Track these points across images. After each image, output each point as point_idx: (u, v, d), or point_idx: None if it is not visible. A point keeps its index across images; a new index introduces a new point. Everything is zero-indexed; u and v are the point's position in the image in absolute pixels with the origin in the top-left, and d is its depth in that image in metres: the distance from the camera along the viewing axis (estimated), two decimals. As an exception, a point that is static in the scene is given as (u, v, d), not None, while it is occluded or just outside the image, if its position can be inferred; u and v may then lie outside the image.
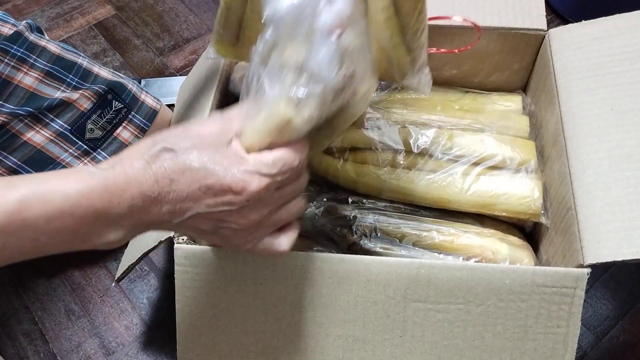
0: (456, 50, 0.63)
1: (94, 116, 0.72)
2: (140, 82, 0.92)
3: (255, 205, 0.39)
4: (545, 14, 0.64)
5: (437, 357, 0.49)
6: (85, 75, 0.72)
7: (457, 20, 0.60)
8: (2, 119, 0.67)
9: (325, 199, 0.61)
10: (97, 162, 0.74)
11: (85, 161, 0.73)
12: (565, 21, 1.03)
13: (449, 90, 0.69)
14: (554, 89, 0.59)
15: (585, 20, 0.61)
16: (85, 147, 0.72)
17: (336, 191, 0.62)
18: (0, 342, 0.72)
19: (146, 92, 0.77)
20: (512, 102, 0.67)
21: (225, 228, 0.40)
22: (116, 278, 0.62)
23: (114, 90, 0.73)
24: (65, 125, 0.71)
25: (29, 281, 0.76)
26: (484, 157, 0.59)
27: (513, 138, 0.62)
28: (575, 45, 0.60)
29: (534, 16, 0.63)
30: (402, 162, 0.60)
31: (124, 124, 0.74)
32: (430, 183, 0.59)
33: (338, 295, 0.49)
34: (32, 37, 0.69)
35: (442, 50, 0.62)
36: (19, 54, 0.67)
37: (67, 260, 0.77)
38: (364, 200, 0.61)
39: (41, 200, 0.34)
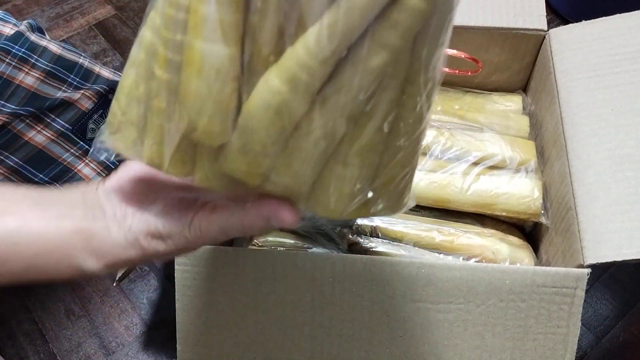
0: (457, 71, 0.63)
1: (95, 116, 0.72)
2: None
3: None
4: (545, 14, 0.64)
5: (437, 357, 0.49)
6: (87, 75, 0.72)
7: (451, 52, 0.60)
8: (4, 119, 0.67)
9: (325, 199, 0.61)
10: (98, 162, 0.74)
11: (87, 161, 0.73)
12: (565, 21, 1.03)
13: (449, 90, 0.69)
14: (554, 89, 0.59)
15: (585, 20, 0.61)
16: (86, 146, 0.72)
17: (336, 191, 0.62)
18: (0, 342, 0.72)
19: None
20: (512, 102, 0.67)
21: None
22: (117, 278, 0.62)
23: (115, 90, 0.73)
24: (67, 125, 0.71)
25: (30, 281, 0.76)
26: (484, 157, 0.59)
27: (513, 138, 0.62)
28: (575, 45, 0.60)
29: (534, 16, 0.63)
30: (402, 162, 0.60)
31: (124, 124, 0.74)
32: (430, 183, 0.59)
33: (338, 295, 0.49)
34: (34, 37, 0.69)
35: (445, 69, 0.62)
36: (20, 53, 0.67)
37: (68, 260, 0.77)
38: (364, 200, 0.61)
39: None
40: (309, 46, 0.27)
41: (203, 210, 0.33)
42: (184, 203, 0.34)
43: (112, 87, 0.73)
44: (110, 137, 0.33)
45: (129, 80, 0.32)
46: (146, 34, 0.30)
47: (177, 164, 0.31)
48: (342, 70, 0.27)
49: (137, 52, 0.31)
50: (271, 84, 0.28)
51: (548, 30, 0.63)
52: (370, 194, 0.32)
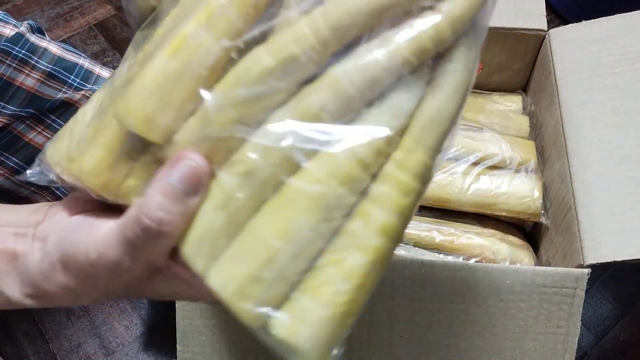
0: None
1: (95, 117, 0.72)
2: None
3: None
4: (545, 14, 0.64)
5: (437, 357, 0.49)
6: (87, 76, 0.72)
7: None
8: (4, 120, 0.67)
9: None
10: None
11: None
12: (565, 21, 1.03)
13: (449, 90, 0.69)
14: (554, 89, 0.59)
15: (585, 20, 0.61)
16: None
17: (336, 191, 0.62)
18: (0, 342, 0.72)
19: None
20: (512, 102, 0.67)
21: None
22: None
23: None
24: (66, 126, 0.71)
25: (30, 281, 0.76)
26: (484, 157, 0.59)
27: (513, 138, 0.62)
28: (575, 45, 0.60)
29: (534, 16, 0.63)
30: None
31: (124, 125, 0.74)
32: (430, 183, 0.59)
33: (338, 295, 0.49)
34: (34, 38, 0.69)
35: None
36: (20, 55, 0.67)
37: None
38: (364, 201, 0.61)
39: None
40: (314, 19, 0.23)
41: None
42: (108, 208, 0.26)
43: (112, 87, 0.73)
44: (50, 146, 0.28)
45: (99, 94, 0.29)
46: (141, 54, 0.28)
47: (105, 170, 0.26)
48: (334, 66, 0.24)
49: (120, 69, 0.28)
50: (257, 55, 0.24)
51: (548, 30, 0.63)
52: (289, 293, 0.24)
